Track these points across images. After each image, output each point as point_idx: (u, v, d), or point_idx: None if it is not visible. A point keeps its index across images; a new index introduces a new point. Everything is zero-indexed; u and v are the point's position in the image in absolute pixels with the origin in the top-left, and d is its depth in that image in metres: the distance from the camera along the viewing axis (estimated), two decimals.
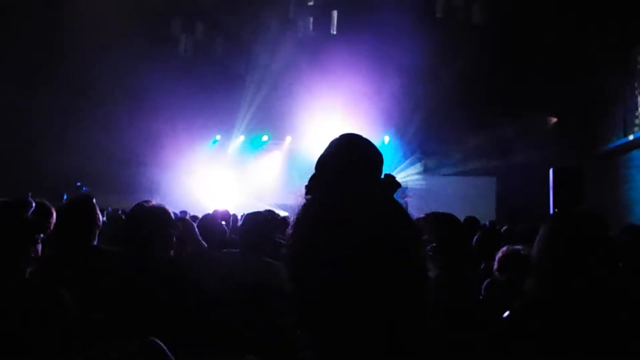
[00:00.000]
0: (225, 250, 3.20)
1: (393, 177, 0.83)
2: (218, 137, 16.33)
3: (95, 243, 3.01)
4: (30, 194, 3.20)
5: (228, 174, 15.53)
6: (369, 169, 0.87)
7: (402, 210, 0.78)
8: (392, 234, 0.75)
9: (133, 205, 2.70)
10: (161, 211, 2.53)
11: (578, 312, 1.58)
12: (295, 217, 0.84)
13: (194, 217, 6.02)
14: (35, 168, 10.90)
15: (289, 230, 0.84)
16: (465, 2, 13.84)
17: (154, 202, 2.57)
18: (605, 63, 12.21)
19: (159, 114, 13.47)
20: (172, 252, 2.62)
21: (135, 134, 13.56)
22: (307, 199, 0.85)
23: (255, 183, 15.54)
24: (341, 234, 0.75)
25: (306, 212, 0.82)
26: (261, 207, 10.45)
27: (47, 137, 12.07)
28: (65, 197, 7.09)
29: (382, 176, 0.84)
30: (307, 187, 0.87)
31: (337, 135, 0.98)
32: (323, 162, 0.90)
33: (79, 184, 9.90)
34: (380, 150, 0.97)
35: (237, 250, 3.12)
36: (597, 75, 12.63)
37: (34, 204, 2.77)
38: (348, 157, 0.89)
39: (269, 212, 3.30)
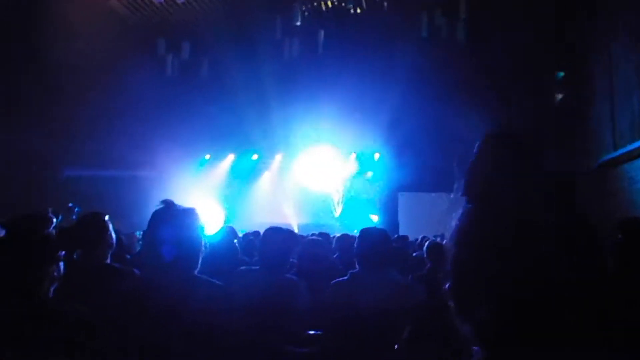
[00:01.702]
0: (243, 267, 3.07)
1: (565, 174, 0.75)
2: (207, 156, 16.18)
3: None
4: (50, 210, 3.02)
5: (220, 193, 15.39)
6: (529, 169, 0.78)
7: (580, 214, 0.71)
8: (576, 244, 0.67)
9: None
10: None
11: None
12: (458, 227, 0.76)
13: None
14: (22, 188, 10.66)
15: (452, 241, 0.76)
16: (448, 22, 14.11)
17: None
18: (586, 79, 12.47)
19: (147, 135, 13.30)
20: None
21: (123, 156, 13.37)
22: (467, 208, 0.77)
23: (248, 201, 15.41)
24: (519, 246, 0.67)
25: (473, 222, 0.74)
26: (254, 226, 10.32)
27: (40, 163, 11.87)
28: (61, 218, 6.87)
29: (546, 174, 0.76)
30: (467, 194, 0.78)
31: (486, 137, 0.87)
32: (479, 167, 0.81)
33: (71, 204, 9.65)
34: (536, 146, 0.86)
35: (257, 267, 3.01)
36: (579, 90, 12.86)
37: (54, 220, 2.61)
38: (505, 158, 0.80)
39: (288, 230, 3.20)
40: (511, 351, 0.69)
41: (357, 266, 2.89)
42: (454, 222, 0.79)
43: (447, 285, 0.78)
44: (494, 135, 0.82)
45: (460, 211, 0.79)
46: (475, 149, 0.83)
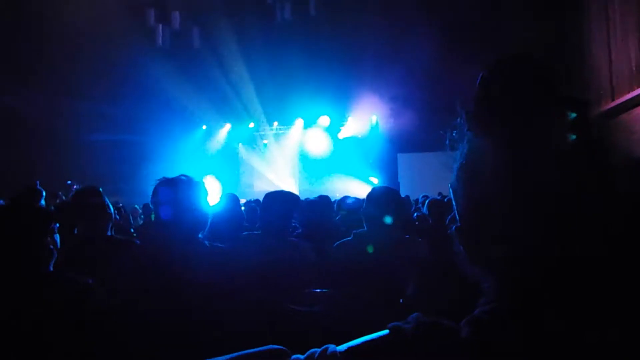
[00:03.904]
0: (245, 233, 3.06)
1: (579, 100, 0.69)
2: (204, 127, 16.10)
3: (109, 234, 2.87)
4: (38, 182, 2.99)
5: (216, 162, 15.38)
6: (546, 94, 0.70)
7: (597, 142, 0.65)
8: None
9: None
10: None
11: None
12: (465, 161, 0.69)
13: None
14: (21, 168, 10.64)
15: (459, 178, 0.70)
16: None
17: None
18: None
19: (142, 108, 13.21)
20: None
21: (121, 129, 13.31)
22: (475, 140, 0.70)
23: (246, 170, 15.41)
24: (537, 178, 0.62)
25: (483, 154, 0.67)
26: (253, 195, 10.33)
27: (34, 136, 11.85)
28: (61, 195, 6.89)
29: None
30: (473, 126, 0.70)
31: (500, 60, 0.76)
32: (489, 93, 0.72)
33: (69, 182, 9.64)
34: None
35: (259, 232, 3.00)
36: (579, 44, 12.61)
37: (44, 192, 2.58)
38: (519, 81, 0.71)
39: (288, 193, 3.17)
40: (527, 297, 0.65)
41: (364, 226, 2.85)
42: (458, 161, 0.73)
43: (453, 228, 0.73)
44: (506, 58, 0.73)
45: (465, 146, 0.73)
46: (482, 76, 0.74)
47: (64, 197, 6.42)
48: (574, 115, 0.67)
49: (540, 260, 0.63)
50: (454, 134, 0.77)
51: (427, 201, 5.06)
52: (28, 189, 2.62)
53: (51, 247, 2.03)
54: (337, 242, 3.00)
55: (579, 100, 0.69)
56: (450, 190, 0.74)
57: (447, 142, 0.78)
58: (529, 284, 0.65)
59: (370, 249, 2.75)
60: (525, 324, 0.65)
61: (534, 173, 0.63)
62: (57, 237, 2.07)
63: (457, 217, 0.73)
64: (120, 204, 6.41)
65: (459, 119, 0.76)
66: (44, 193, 2.55)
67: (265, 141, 16.32)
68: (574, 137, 0.65)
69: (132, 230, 4.99)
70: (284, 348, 0.82)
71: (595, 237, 0.62)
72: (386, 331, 0.71)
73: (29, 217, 1.99)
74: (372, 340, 0.71)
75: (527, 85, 0.70)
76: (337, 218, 5.30)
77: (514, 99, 0.69)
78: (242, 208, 4.12)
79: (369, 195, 2.84)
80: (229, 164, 15.74)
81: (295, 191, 13.98)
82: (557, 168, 0.63)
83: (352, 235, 2.97)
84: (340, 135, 16.10)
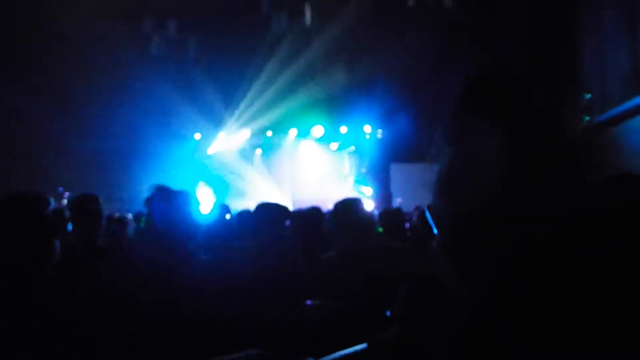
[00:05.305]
0: (236, 244, 3.07)
1: (546, 106, 0.71)
2: (197, 135, 16.08)
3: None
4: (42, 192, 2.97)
5: (209, 171, 15.36)
6: (511, 106, 0.72)
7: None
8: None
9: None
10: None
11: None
12: (439, 174, 0.71)
13: None
14: (10, 173, 10.60)
15: (434, 189, 0.72)
16: None
17: None
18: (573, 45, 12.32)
19: (136, 115, 13.20)
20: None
21: (114, 136, 13.28)
22: (447, 152, 0.71)
23: (240, 181, 15.40)
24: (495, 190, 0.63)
25: (449, 167, 0.69)
26: (248, 206, 10.31)
27: (23, 141, 11.81)
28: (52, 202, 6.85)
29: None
30: (445, 137, 0.72)
31: (478, 75, 0.77)
32: (467, 108, 0.73)
33: (60, 189, 9.58)
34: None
35: (250, 243, 3.01)
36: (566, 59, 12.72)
37: (52, 201, 2.60)
38: (499, 98, 0.72)
39: (279, 204, 3.19)
40: (503, 314, 0.66)
41: (342, 240, 2.87)
42: (438, 175, 0.74)
43: (435, 242, 0.75)
44: (484, 74, 0.74)
45: (445, 160, 0.74)
46: (460, 93, 0.76)
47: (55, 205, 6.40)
48: (549, 126, 0.69)
49: (519, 271, 0.65)
50: (433, 151, 0.80)
51: (418, 212, 5.09)
52: (36, 196, 2.64)
53: (54, 254, 2.05)
54: (324, 257, 3.01)
55: (555, 112, 0.71)
56: (427, 210, 0.77)
57: (427, 157, 0.81)
58: (506, 294, 0.66)
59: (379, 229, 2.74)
60: (499, 334, 0.66)
61: (516, 185, 0.65)
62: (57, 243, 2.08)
63: (438, 231, 0.75)
64: (108, 213, 6.40)
65: (438, 135, 0.78)
66: (52, 202, 2.57)
67: (258, 150, 16.32)
68: (551, 147, 0.67)
69: (129, 237, 5.00)
70: (264, 352, 0.84)
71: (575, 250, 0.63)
72: (365, 345, 0.73)
73: (40, 225, 2.01)
74: (350, 353, 0.73)
75: (505, 99, 0.72)
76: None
77: (492, 113, 0.71)
78: (228, 216, 4.14)
79: (332, 211, 2.85)
80: (222, 173, 15.72)
81: (288, 201, 13.98)
82: (538, 180, 0.65)
83: (337, 250, 2.98)
84: (333, 146, 16.15)
